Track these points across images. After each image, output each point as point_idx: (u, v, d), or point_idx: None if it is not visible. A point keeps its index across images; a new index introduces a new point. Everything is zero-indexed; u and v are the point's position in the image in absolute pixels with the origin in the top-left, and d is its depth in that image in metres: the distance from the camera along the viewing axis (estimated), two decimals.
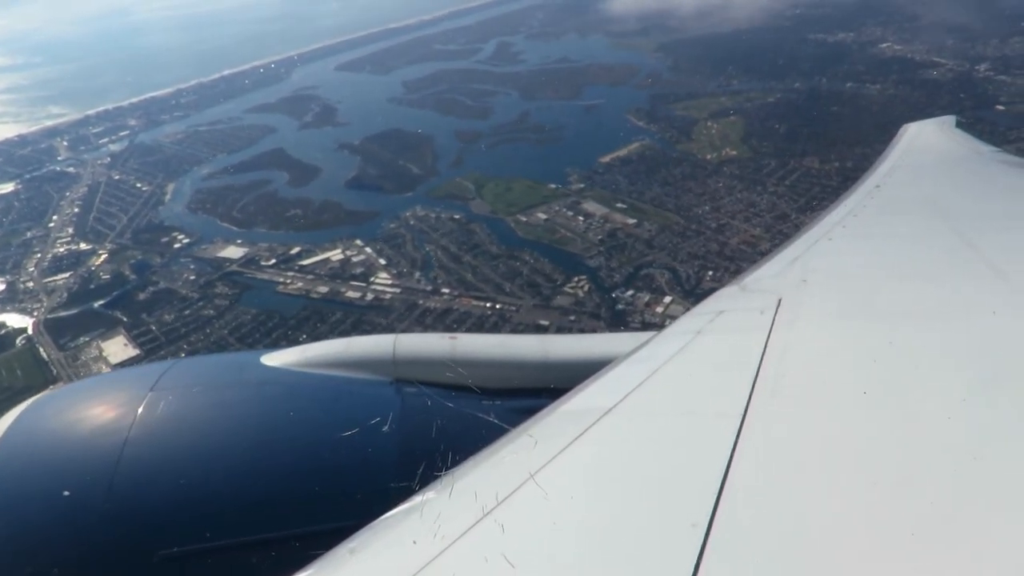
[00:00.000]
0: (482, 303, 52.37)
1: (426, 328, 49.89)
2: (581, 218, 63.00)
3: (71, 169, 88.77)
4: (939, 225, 4.75)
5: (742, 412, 2.34)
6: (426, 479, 2.38)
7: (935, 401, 2.33)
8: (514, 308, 51.39)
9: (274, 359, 3.97)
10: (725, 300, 3.91)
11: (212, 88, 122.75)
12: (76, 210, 75.22)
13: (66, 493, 3.01)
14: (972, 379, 2.47)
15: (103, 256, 64.35)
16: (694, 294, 49.06)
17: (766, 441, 2.20)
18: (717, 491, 1.90)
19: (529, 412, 2.84)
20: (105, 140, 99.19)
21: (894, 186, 6.09)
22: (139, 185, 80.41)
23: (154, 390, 3.47)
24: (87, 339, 51.74)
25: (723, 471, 1.99)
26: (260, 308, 54.26)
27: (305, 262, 60.18)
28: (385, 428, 3.37)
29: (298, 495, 3.20)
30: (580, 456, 2.30)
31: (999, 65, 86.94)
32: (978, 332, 2.86)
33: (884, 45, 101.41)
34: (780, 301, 3.52)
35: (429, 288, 54.90)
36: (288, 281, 57.74)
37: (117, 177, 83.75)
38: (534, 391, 3.84)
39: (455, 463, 2.41)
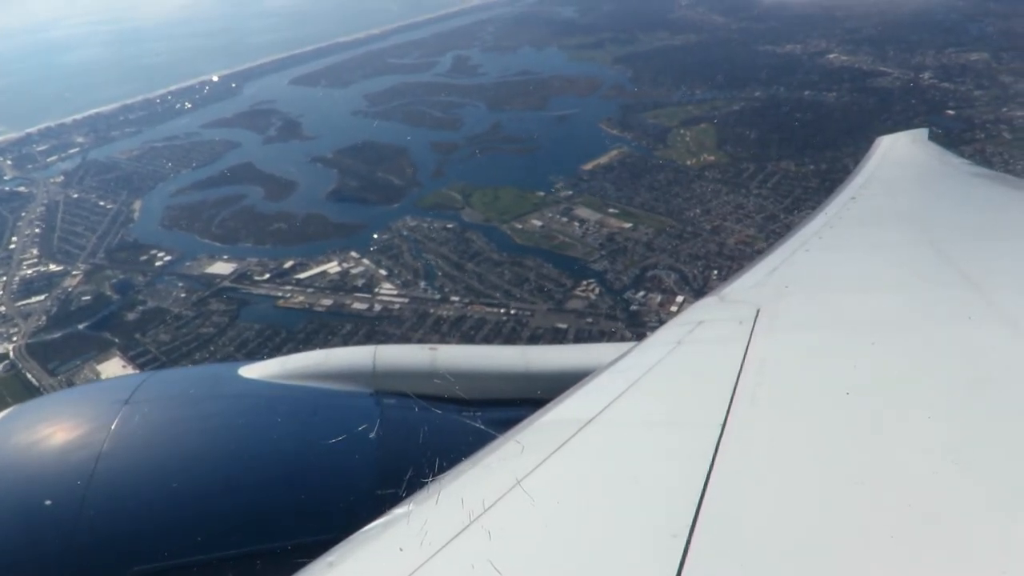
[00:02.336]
0: (495, 309, 52.12)
1: (443, 336, 49.43)
2: (576, 224, 63.57)
3: (21, 188, 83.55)
4: (913, 236, 4.88)
5: (722, 422, 2.37)
6: (408, 490, 2.39)
7: (913, 408, 2.37)
8: (528, 313, 51.35)
9: (252, 371, 3.94)
10: (704, 311, 4.01)
11: (161, 103, 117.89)
12: (37, 230, 70.86)
13: (37, 509, 2.93)
14: (949, 386, 2.53)
15: (78, 277, 60.85)
16: (704, 293, 49.97)
17: (746, 451, 2.22)
18: (697, 501, 1.92)
19: (510, 423, 2.86)
20: (54, 158, 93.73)
21: (869, 198, 6.24)
22: (102, 203, 76.39)
23: (129, 403, 3.40)
24: (79, 362, 48.73)
25: (703, 481, 2.02)
26: (263, 323, 52.42)
27: (301, 275, 58.50)
28: (365, 439, 3.36)
29: (277, 509, 3.16)
30: (562, 466, 2.31)
31: (941, 73, 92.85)
32: (954, 339, 2.93)
33: (831, 56, 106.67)
34: (758, 311, 3.58)
35: (437, 297, 54.27)
36: (287, 295, 55.97)
37: (75, 195, 79.32)
38: (515, 402, 3.87)
39: (436, 474, 2.42)
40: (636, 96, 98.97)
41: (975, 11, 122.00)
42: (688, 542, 1.74)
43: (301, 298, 55.61)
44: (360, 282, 57.09)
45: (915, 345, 2.95)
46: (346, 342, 49.07)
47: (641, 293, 52.31)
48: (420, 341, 48.68)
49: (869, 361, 2.79)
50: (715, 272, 53.89)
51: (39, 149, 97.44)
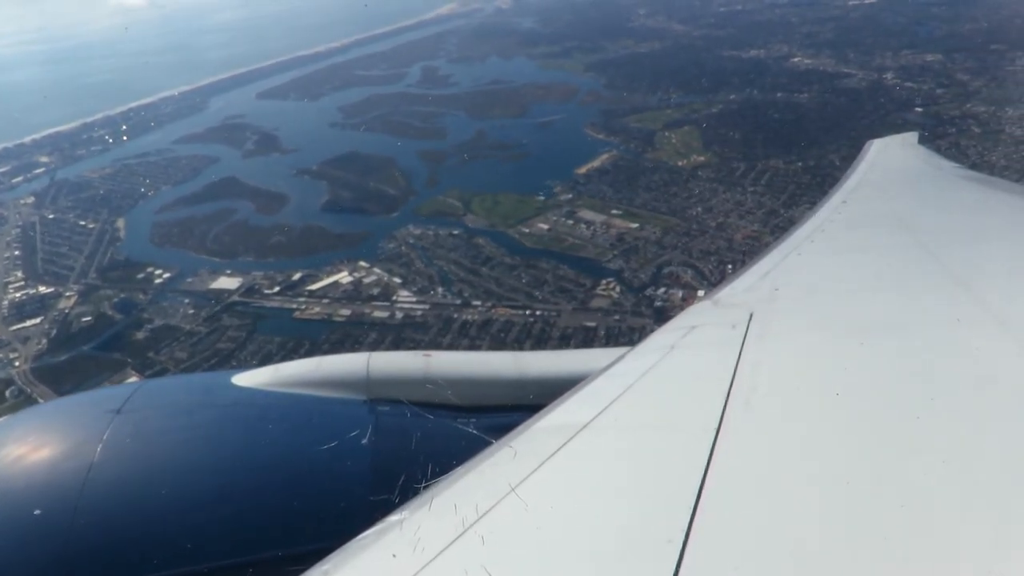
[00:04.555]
0: (520, 311, 52.09)
1: (472, 341, 49.12)
2: (583, 225, 64.12)
3: None
4: (904, 239, 4.88)
5: (716, 426, 2.39)
6: (402, 497, 2.42)
7: (905, 410, 2.39)
8: (554, 313, 51.46)
9: (245, 379, 3.93)
10: (698, 315, 4.03)
11: (124, 120, 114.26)
12: (16, 252, 67.86)
13: (28, 521, 2.89)
14: (940, 387, 2.56)
15: (73, 298, 58.35)
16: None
17: (741, 454, 2.24)
18: (692, 506, 1.93)
19: (505, 429, 2.86)
20: (19, 179, 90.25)
21: (860, 201, 6.27)
22: (82, 223, 73.59)
23: (121, 412, 3.37)
24: (94, 385, 46.57)
25: (698, 486, 2.02)
26: (284, 336, 51.18)
27: (313, 287, 57.37)
28: (359, 447, 3.36)
29: (270, 518, 3.16)
30: (557, 472, 2.33)
31: (902, 74, 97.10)
32: (945, 341, 2.97)
33: (795, 59, 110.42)
34: (751, 315, 3.60)
35: (458, 301, 53.93)
36: (303, 307, 54.80)
37: (52, 216, 76.21)
38: (510, 408, 3.87)
39: (430, 481, 2.45)
40: (614, 102, 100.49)
41: (919, 15, 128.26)
42: (683, 547, 1.75)
43: (318, 309, 54.54)
44: (375, 291, 56.33)
45: (907, 347, 2.99)
46: (374, 349, 48.21)
47: (662, 289, 52.99)
48: (450, 346, 48.30)
49: (862, 364, 2.83)
50: (729, 266, 54.99)
51: (1, 171, 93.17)
